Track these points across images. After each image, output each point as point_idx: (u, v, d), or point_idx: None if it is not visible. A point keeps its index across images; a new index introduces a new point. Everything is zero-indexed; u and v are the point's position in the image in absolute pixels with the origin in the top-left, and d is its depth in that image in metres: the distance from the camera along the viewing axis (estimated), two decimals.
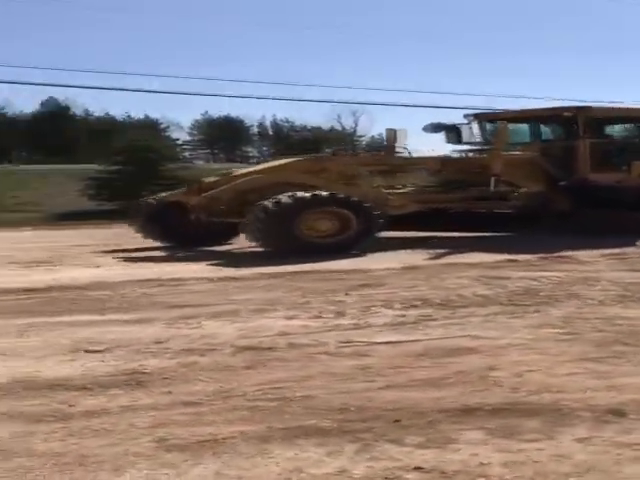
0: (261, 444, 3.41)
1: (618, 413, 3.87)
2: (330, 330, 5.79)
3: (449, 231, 13.54)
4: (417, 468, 3.20)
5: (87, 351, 4.99)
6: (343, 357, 5.01)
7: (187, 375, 4.51)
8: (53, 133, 57.83)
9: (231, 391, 4.21)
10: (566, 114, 14.03)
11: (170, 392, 4.16)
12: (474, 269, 8.96)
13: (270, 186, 11.89)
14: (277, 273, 8.94)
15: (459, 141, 15.14)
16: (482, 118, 15.19)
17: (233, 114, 72.04)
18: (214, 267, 9.77)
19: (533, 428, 3.67)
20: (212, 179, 12.88)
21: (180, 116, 72.99)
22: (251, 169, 13.64)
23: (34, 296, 7.32)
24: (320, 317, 6.28)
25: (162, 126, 66.08)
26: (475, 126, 14.96)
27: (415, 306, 6.72)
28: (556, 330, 5.70)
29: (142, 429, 3.53)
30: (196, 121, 74.22)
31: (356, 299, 7.11)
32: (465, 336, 5.54)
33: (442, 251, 11.10)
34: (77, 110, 65.18)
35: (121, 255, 11.59)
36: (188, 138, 74.50)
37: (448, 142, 15.25)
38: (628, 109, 15.72)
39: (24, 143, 62.73)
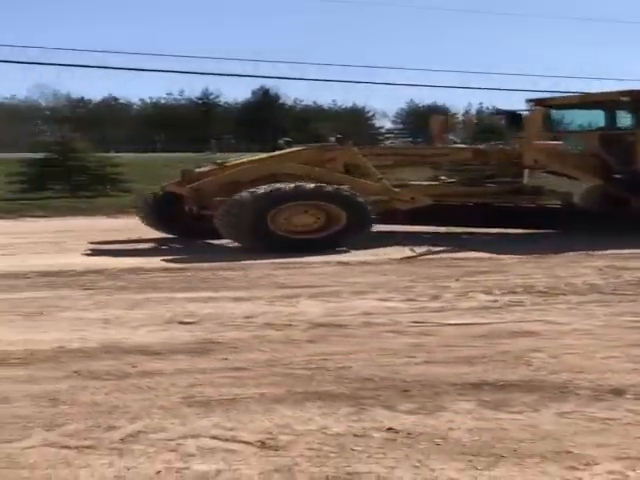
0: (271, 404, 3.92)
1: (617, 392, 4.05)
2: (413, 312, 6.18)
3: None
4: (389, 429, 3.60)
5: (181, 322, 5.72)
6: (405, 335, 5.41)
7: (252, 345, 5.10)
8: (259, 121, 61.26)
9: (279, 360, 4.75)
10: (623, 99, 12.80)
11: (226, 359, 4.77)
12: (602, 259, 8.91)
13: (265, 177, 11.26)
14: (403, 259, 9.36)
15: (520, 128, 14.33)
16: (544, 104, 14.15)
17: (439, 102, 72.11)
18: (345, 253, 10.22)
19: (526, 402, 3.96)
20: (204, 169, 12.28)
21: (386, 105, 74.71)
22: (245, 159, 12.92)
23: (169, 275, 8.27)
24: (413, 300, 6.68)
25: (368, 114, 67.79)
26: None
27: (514, 292, 6.94)
28: (635, 319, 5.75)
29: (179, 388, 4.15)
30: (401, 109, 75.42)
31: (462, 285, 7.41)
32: (537, 321, 5.76)
33: (573, 241, 10.80)
34: (287, 100, 68.60)
35: None
36: (391, 126, 75.92)
37: (509, 129, 14.62)
38: None
39: (236, 132, 66.87)
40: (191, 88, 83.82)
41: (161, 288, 7.32)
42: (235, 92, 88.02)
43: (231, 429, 3.58)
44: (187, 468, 3.09)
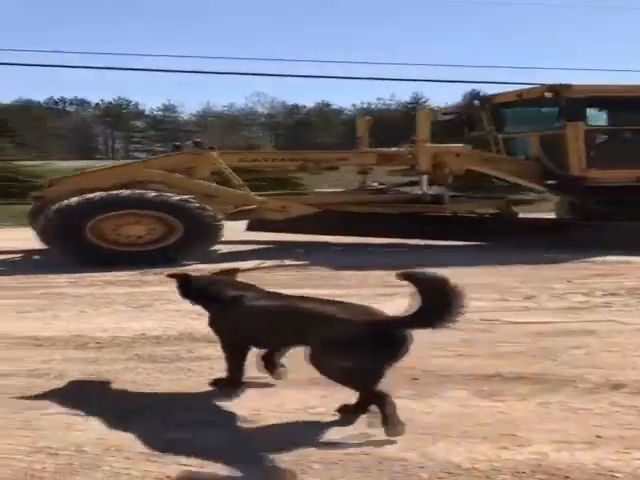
0: (284, 388, 4.33)
1: (616, 387, 4.13)
2: (493, 310, 6.37)
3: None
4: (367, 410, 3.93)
5: None
6: (462, 331, 5.55)
7: None
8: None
9: None
10: (547, 94, 11.42)
11: None
12: None
13: (123, 184, 10.36)
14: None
15: (470, 130, 13.59)
16: (490, 101, 12.94)
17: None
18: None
19: (519, 393, 4.17)
20: (65, 176, 11.83)
21: None
22: (107, 166, 12.47)
23: (293, 274, 8.90)
24: (505, 299, 6.85)
25: None
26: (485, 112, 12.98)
27: (614, 294, 6.91)
28: None
29: (216, 371, 4.68)
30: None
31: (569, 287, 7.44)
32: (606, 321, 5.79)
33: None
34: None
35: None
36: None
37: (461, 130, 13.81)
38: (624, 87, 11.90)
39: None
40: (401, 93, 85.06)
41: (282, 285, 7.93)
42: (444, 96, 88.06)
43: (238, 404, 4.04)
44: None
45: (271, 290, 4.44)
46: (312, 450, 3.41)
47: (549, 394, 4.11)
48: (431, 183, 11.85)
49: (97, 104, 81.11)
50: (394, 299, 6.99)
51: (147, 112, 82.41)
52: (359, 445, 3.47)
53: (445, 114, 15.32)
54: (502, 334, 5.54)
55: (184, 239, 9.96)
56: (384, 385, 3.65)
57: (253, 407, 3.97)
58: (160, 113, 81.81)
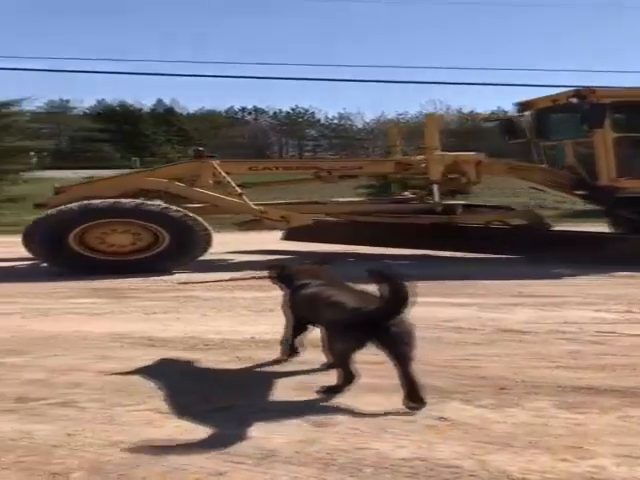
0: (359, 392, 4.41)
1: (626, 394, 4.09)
2: (612, 323, 6.20)
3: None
4: (440, 418, 3.94)
5: None
6: (574, 343, 5.55)
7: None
8: None
9: (424, 358, 5.18)
10: (571, 100, 10.74)
11: None
12: None
13: (130, 193, 10.59)
14: None
15: (513, 137, 12.72)
16: (531, 106, 12.11)
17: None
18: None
19: (603, 406, 4.11)
20: (70, 185, 11.91)
21: None
22: (120, 174, 12.32)
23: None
24: (629, 312, 6.65)
25: None
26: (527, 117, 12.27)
27: None
28: None
29: (308, 374, 4.80)
30: None
31: None
32: None
33: None
34: None
35: None
36: None
37: (502, 137, 12.90)
38: None
39: None
40: None
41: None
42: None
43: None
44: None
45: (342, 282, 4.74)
46: (367, 453, 3.45)
47: (633, 408, 3.96)
48: (453, 193, 11.93)
49: (275, 113, 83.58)
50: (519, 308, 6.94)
51: (322, 121, 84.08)
52: (417, 450, 3.48)
53: (487, 121, 14.93)
54: (613, 346, 5.37)
55: (170, 248, 10.01)
56: None
57: (324, 411, 4.05)
58: (335, 122, 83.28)
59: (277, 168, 12.12)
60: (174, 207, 10.11)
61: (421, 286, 8.25)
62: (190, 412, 4.05)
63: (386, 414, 3.99)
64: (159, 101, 76.50)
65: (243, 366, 5.04)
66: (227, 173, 11.11)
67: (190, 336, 5.94)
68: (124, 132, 53.69)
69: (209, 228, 10.22)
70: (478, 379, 4.65)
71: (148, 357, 5.26)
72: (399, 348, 4.05)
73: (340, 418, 3.96)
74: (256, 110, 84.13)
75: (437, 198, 11.43)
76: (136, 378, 4.74)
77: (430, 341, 5.66)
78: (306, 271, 5.04)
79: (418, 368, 4.48)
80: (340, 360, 4.28)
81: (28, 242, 9.96)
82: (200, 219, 10.13)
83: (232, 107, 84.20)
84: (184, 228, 9.97)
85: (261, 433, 3.74)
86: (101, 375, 4.82)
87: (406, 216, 11.69)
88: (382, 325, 4.02)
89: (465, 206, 12.04)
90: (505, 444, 3.53)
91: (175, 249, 10.01)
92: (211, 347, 5.59)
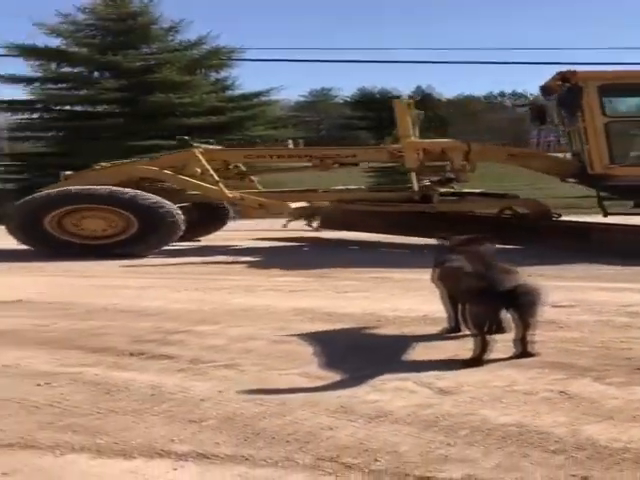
0: (508, 368, 4.66)
1: None
2: None
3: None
4: (561, 392, 4.13)
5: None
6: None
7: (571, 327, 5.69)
8: None
9: (570, 339, 5.32)
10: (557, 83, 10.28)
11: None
12: None
13: (127, 181, 11.21)
14: None
15: (543, 122, 12.04)
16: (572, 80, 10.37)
17: None
18: None
19: None
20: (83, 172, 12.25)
21: None
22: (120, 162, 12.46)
23: None
24: None
25: None
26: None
27: None
28: None
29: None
30: None
31: None
32: None
33: None
34: None
35: None
36: None
37: (532, 123, 12.36)
38: None
39: None
40: None
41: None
42: None
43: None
44: None
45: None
46: (472, 418, 3.74)
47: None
48: (453, 180, 11.68)
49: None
50: None
51: None
52: (520, 418, 3.72)
53: (517, 106, 13.77)
54: None
55: (139, 233, 10.69)
56: None
57: (456, 381, 4.36)
58: None
59: (271, 156, 12.41)
60: (146, 195, 10.84)
61: (610, 272, 8.27)
62: (331, 377, 4.52)
63: (512, 386, 4.23)
64: (417, 88, 77.33)
65: (401, 340, 5.41)
66: (224, 161, 12.04)
67: (368, 312, 6.41)
68: (381, 119, 54.79)
69: (177, 215, 10.81)
70: (622, 360, 4.75)
71: (322, 330, 5.79)
72: (524, 315, 4.61)
73: (467, 388, 4.26)
74: (514, 95, 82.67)
75: (415, 186, 11.60)
76: (301, 347, 5.28)
77: (600, 324, 5.76)
78: (464, 245, 5.34)
79: (572, 348, 4.76)
80: (478, 327, 4.62)
81: (7, 224, 11.06)
82: (170, 206, 10.81)
83: (491, 92, 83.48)
84: (152, 214, 10.66)
85: (386, 397, 4.14)
86: (272, 344, 5.41)
87: (386, 204, 11.72)
88: (515, 295, 4.56)
89: (464, 194, 11.88)
90: (608, 417, 3.69)
91: (143, 234, 10.71)
92: (382, 323, 6.01)
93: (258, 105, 25.69)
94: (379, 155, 12.54)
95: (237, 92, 26.94)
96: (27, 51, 24.82)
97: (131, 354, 5.13)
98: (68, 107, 26.39)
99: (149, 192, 11.10)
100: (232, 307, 6.78)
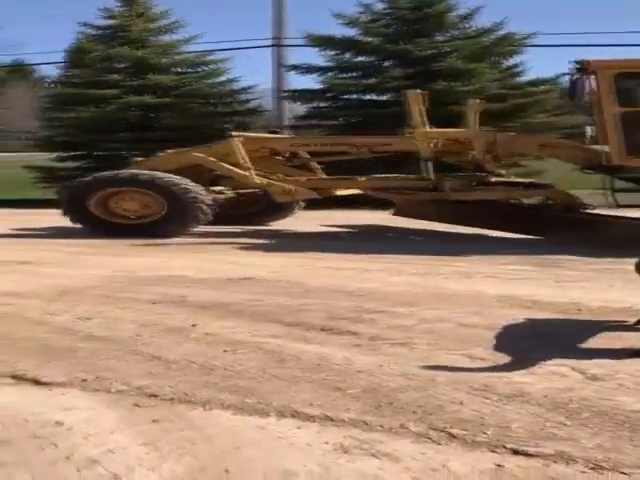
0: None
1: None
2: None
3: None
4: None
5: None
6: None
7: None
8: None
9: None
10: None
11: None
12: None
13: (184, 167, 12.43)
14: None
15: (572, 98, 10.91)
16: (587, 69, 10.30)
17: None
18: None
19: None
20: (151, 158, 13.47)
21: None
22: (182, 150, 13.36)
23: None
24: None
25: None
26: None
27: None
28: None
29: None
30: None
31: None
32: None
33: None
34: None
35: None
36: None
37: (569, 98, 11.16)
38: None
39: None
40: None
41: None
42: None
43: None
44: None
45: None
46: (604, 403, 3.80)
47: None
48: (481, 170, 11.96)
49: None
50: None
51: None
52: (612, 394, 3.82)
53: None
54: None
55: (166, 216, 11.92)
56: None
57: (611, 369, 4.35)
58: None
59: (315, 145, 13.47)
60: (178, 181, 11.94)
61: None
62: (492, 359, 4.70)
63: None
64: None
65: (586, 329, 5.39)
66: (272, 149, 13.05)
67: (574, 302, 6.40)
68: None
69: (202, 201, 11.86)
70: None
71: (512, 316, 5.89)
72: None
73: (619, 376, 4.29)
74: None
75: (431, 175, 11.89)
76: (481, 331, 5.44)
77: None
78: None
79: None
80: None
81: (60, 206, 12.58)
82: (197, 192, 11.89)
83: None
84: (177, 197, 11.85)
85: (533, 379, 4.26)
86: (457, 326, 5.62)
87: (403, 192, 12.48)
88: None
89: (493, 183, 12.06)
90: None
91: (171, 216, 11.89)
92: (581, 313, 6.02)
93: (542, 92, 25.20)
94: (411, 144, 12.41)
95: (524, 79, 26.56)
96: (324, 41, 26.15)
97: (321, 329, 5.58)
98: (354, 96, 27.48)
99: (208, 179, 12.69)
100: (440, 291, 7.03)
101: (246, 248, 10.63)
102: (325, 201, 13.72)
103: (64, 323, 5.86)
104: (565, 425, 3.51)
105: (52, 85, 28.44)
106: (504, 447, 3.29)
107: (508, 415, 3.68)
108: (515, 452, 3.24)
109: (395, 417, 3.72)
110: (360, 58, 26.87)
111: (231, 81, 26.02)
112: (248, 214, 13.73)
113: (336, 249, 10.34)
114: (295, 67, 26.62)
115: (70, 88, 25.00)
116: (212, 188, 12.66)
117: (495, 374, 4.36)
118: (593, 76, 10.35)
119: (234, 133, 13.40)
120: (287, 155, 13.35)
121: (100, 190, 12.27)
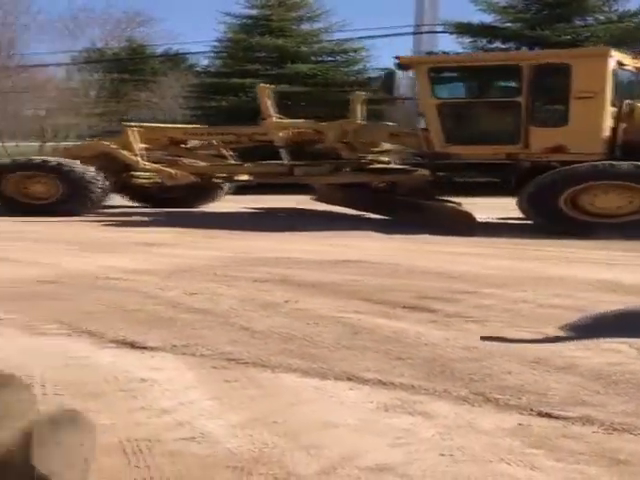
0: None
1: None
2: None
3: None
4: None
5: None
6: None
7: None
8: None
9: None
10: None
11: None
12: None
13: (98, 155, 14.07)
14: None
15: (390, 93, 12.93)
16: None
17: None
18: None
19: None
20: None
21: None
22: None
23: None
24: None
25: None
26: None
27: None
28: None
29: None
30: None
31: None
32: None
33: None
34: None
35: None
36: None
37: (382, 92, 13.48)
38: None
39: None
40: None
41: None
42: None
43: None
44: None
45: None
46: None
47: None
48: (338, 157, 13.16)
49: None
50: None
51: None
52: None
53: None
54: None
55: (62, 198, 13.53)
56: None
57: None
58: None
59: (201, 134, 14.95)
60: (71, 164, 13.63)
61: None
62: (555, 336, 4.97)
63: None
64: None
65: None
66: (170, 137, 14.61)
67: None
68: None
69: (93, 183, 13.50)
70: None
71: (593, 298, 6.10)
72: None
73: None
74: None
75: (286, 160, 13.30)
76: (555, 311, 5.71)
77: None
78: None
79: None
80: None
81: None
82: (88, 175, 13.49)
83: None
84: (72, 178, 13.49)
85: (587, 354, 4.54)
86: (536, 307, 5.87)
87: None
88: None
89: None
90: None
91: (67, 197, 13.51)
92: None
93: None
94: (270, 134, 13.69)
95: None
96: (463, 28, 26.15)
97: (404, 307, 5.94)
98: None
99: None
100: (534, 275, 7.26)
101: (348, 236, 10.87)
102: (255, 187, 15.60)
103: (172, 297, 6.44)
104: (598, 393, 3.76)
105: (200, 74, 29.66)
106: (531, 410, 3.58)
107: (548, 384, 3.95)
108: (540, 414, 3.53)
109: (442, 383, 4.05)
110: (496, 44, 26.67)
111: (368, 69, 26.34)
112: (175, 198, 14.98)
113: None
114: (431, 54, 26.68)
115: (213, 78, 26.09)
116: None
117: (552, 348, 4.62)
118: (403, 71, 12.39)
119: (129, 124, 14.95)
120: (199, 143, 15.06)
121: (12, 173, 14.05)
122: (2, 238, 10.61)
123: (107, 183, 13.86)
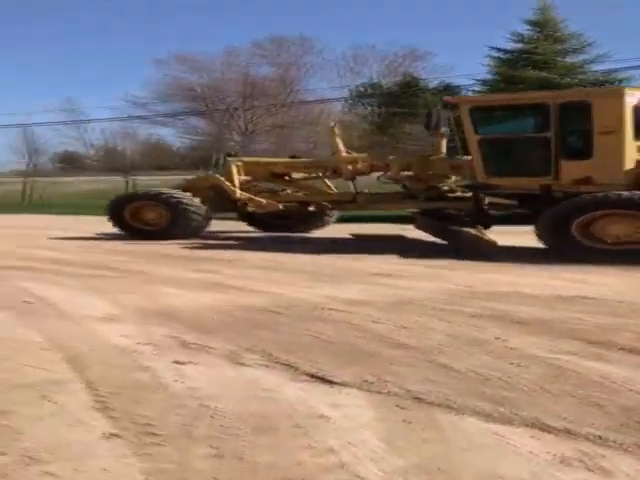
0: None
1: None
2: None
3: None
4: None
5: None
6: None
7: None
8: None
9: None
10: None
11: None
12: None
13: (208, 187, 15.83)
14: None
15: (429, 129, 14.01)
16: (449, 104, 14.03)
17: None
18: None
19: None
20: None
21: None
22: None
23: None
24: None
25: None
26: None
27: None
28: None
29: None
30: None
31: None
32: None
33: None
34: None
35: None
36: None
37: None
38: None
39: None
40: None
41: None
42: None
43: None
44: None
45: None
46: None
47: None
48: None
49: None
50: None
51: None
52: None
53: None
54: None
55: (169, 225, 15.18)
56: None
57: None
58: None
59: (297, 167, 16.14)
60: (178, 195, 15.42)
61: None
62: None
63: None
64: None
65: None
66: (270, 170, 15.99)
67: None
68: None
69: (194, 212, 15.16)
70: None
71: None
72: None
73: None
74: None
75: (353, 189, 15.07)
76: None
77: None
78: None
79: None
80: None
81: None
82: (191, 205, 15.16)
83: None
84: (175, 208, 15.15)
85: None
86: None
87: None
88: None
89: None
90: None
91: (172, 225, 15.08)
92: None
93: None
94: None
95: None
96: None
97: (621, 348, 5.53)
98: None
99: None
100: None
101: (576, 269, 10.23)
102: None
103: (380, 330, 6.39)
104: None
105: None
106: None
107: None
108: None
109: (634, 435, 3.72)
110: None
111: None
112: (287, 224, 16.47)
113: None
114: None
115: None
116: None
117: None
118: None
119: (232, 159, 16.21)
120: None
121: (130, 204, 15.90)
122: (235, 266, 11.11)
123: (208, 212, 15.48)
